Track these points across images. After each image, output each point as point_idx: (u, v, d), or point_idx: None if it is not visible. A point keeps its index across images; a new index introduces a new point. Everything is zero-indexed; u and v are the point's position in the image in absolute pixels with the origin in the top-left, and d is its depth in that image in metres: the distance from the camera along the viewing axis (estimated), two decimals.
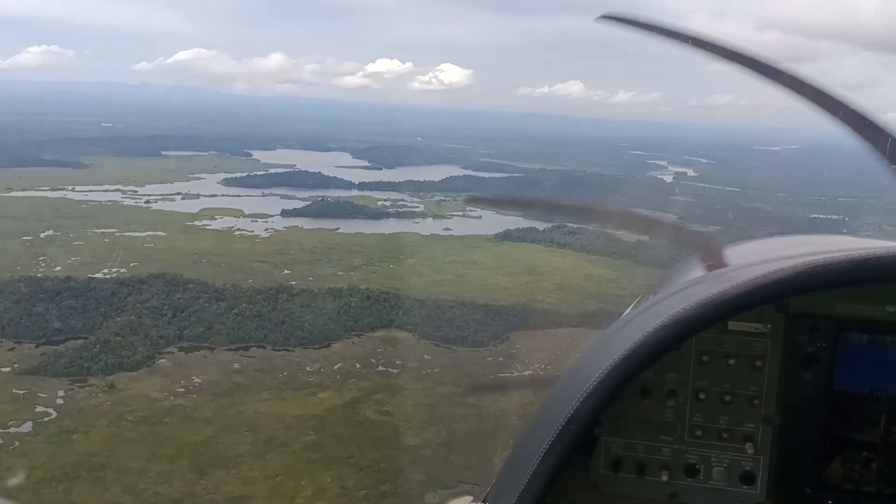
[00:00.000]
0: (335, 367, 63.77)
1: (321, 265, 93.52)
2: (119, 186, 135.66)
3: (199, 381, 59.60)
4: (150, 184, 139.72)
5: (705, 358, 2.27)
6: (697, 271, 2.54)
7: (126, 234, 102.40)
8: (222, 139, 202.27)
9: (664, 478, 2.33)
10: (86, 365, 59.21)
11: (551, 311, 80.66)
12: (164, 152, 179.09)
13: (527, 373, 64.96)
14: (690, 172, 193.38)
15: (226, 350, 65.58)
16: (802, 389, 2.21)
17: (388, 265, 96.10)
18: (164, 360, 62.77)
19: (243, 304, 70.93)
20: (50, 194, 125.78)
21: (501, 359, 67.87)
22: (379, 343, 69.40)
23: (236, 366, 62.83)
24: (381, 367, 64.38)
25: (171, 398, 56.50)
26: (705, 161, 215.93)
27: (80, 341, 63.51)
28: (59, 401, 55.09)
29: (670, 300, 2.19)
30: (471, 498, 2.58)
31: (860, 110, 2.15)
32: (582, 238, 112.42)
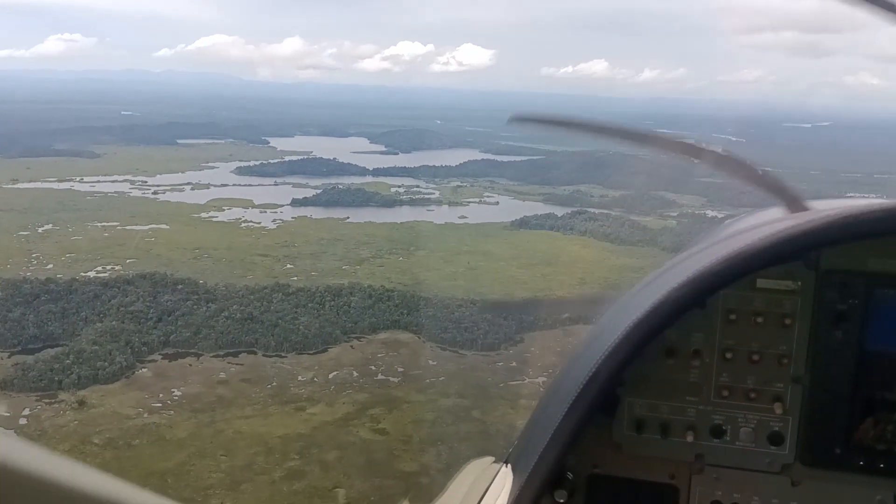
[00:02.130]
0: (330, 375, 57.14)
1: (326, 258, 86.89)
2: (128, 177, 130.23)
3: (178, 394, 53.34)
4: (161, 173, 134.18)
5: (732, 316, 2.18)
6: (729, 229, 2.43)
7: (128, 227, 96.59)
8: (239, 126, 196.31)
9: (689, 438, 2.26)
10: (57, 378, 53.23)
11: (570, 308, 73.24)
12: (179, 140, 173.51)
13: (539, 380, 57.85)
14: (719, 151, 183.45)
15: (213, 357, 59.26)
16: (833, 348, 2.12)
17: (397, 257, 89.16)
18: (144, 370, 56.65)
19: (235, 306, 64.47)
20: (56, 186, 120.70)
21: (514, 364, 60.73)
22: (380, 347, 62.63)
23: (222, 375, 56.47)
24: (380, 376, 57.60)
25: (146, 415, 50.28)
26: (734, 139, 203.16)
27: (58, 349, 57.68)
28: (23, 420, 49.14)
29: (696, 257, 2.09)
30: (492, 458, 2.51)
31: (760, 170, 2.21)
32: (604, 224, 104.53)
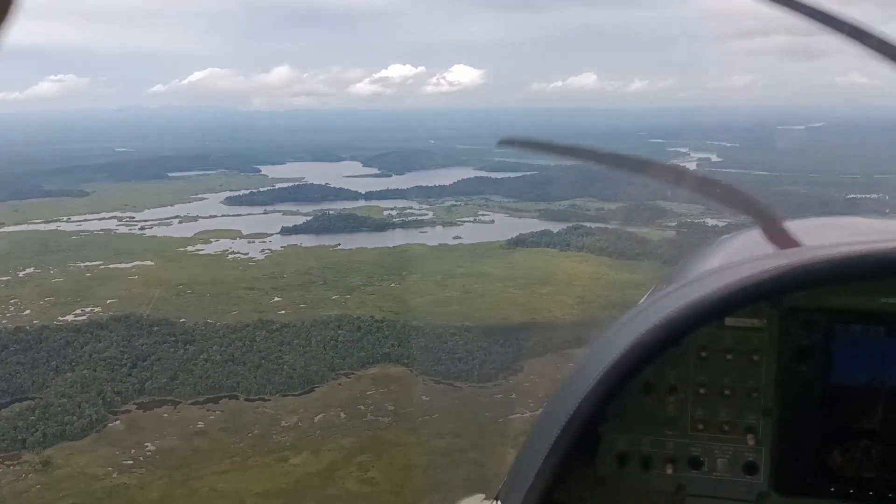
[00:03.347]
0: (315, 419, 52.53)
1: (315, 289, 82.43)
2: (116, 213, 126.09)
3: (152, 448, 48.75)
4: (149, 208, 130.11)
5: (704, 353, 2.25)
6: (701, 265, 2.54)
7: (111, 266, 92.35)
8: (231, 156, 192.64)
9: (669, 471, 2.32)
10: (20, 437, 48.76)
11: (570, 330, 68.59)
12: (170, 174, 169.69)
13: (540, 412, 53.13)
14: (714, 158, 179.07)
15: (191, 404, 54.72)
16: (799, 382, 2.20)
17: (389, 283, 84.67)
18: (116, 423, 52.10)
19: (214, 347, 60.01)
20: (42, 227, 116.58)
21: (513, 395, 56.09)
22: (370, 383, 58.04)
23: (200, 425, 51.88)
24: (369, 416, 52.96)
25: (115, 475, 45.69)
26: (728, 145, 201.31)
27: (26, 403, 53.25)
28: None
29: (669, 298, 2.13)
30: (482, 496, 2.54)
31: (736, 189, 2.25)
32: (601, 239, 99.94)
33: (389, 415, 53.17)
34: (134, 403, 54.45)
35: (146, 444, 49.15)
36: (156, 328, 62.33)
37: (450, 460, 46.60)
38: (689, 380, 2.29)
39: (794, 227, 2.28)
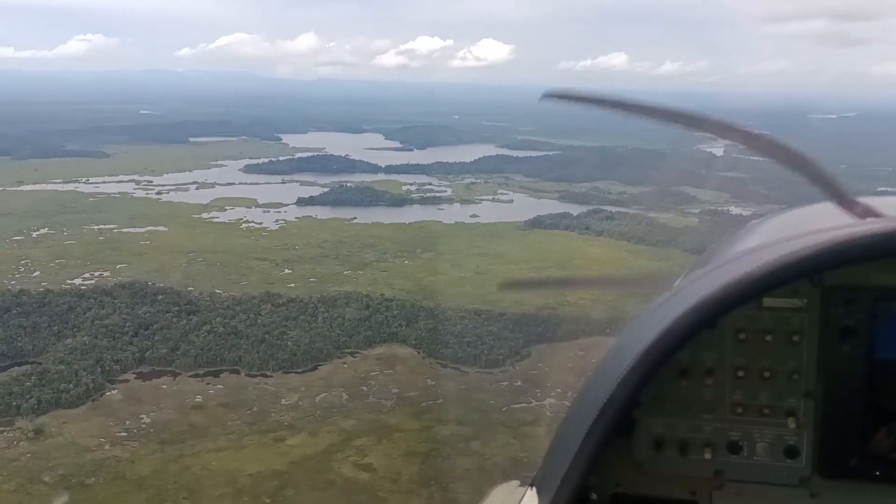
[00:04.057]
0: (316, 398, 50.76)
1: (327, 262, 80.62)
2: (135, 177, 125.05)
3: (147, 421, 47.27)
4: (168, 172, 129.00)
5: (742, 335, 2.19)
6: (735, 246, 2.45)
7: (125, 230, 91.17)
8: (254, 123, 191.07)
9: (707, 455, 2.26)
10: (15, 403, 47.47)
11: (583, 317, 66.27)
12: (191, 139, 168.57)
13: (547, 402, 51.06)
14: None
15: (191, 376, 53.19)
16: (842, 362, 2.13)
17: (403, 261, 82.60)
18: (114, 392, 50.71)
19: (218, 319, 58.30)
20: (60, 187, 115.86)
21: (518, 383, 54.01)
22: (375, 364, 56.16)
23: (198, 399, 50.33)
24: (371, 399, 51.09)
25: (107, 447, 44.25)
26: (757, 132, 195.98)
27: (24, 368, 52.07)
28: None
29: (704, 280, 2.11)
30: (517, 482, 2.47)
31: (806, 157, 2.19)
32: (621, 224, 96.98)
33: (392, 398, 51.27)
34: (133, 373, 53.04)
35: (142, 415, 47.71)
36: (160, 297, 60.78)
37: (451, 449, 44.67)
38: (726, 363, 2.22)
39: (868, 202, 2.16)
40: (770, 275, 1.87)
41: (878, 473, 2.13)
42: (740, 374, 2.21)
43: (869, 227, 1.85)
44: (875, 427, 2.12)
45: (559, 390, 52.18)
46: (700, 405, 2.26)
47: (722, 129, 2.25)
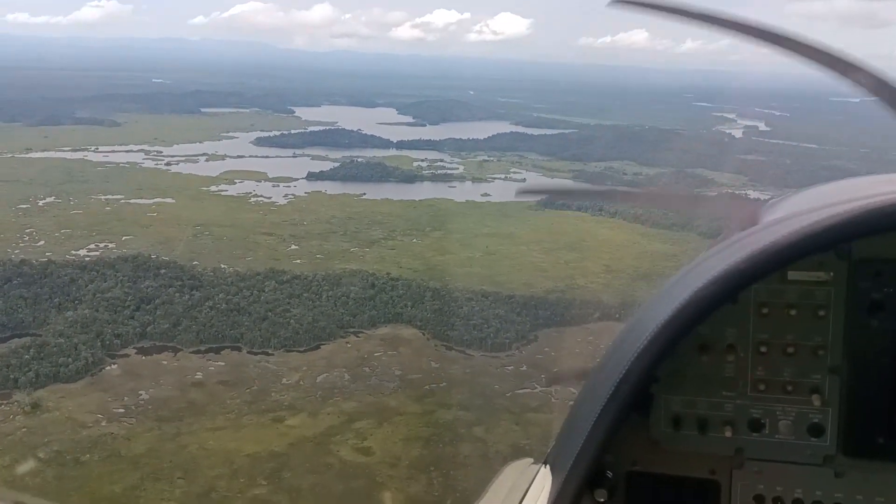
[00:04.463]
0: (318, 378, 50.02)
1: (334, 239, 79.63)
2: (144, 146, 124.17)
3: (146, 397, 46.73)
4: (178, 143, 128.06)
5: (765, 310, 2.14)
6: (755, 222, 2.38)
7: (132, 201, 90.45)
8: (266, 95, 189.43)
9: (728, 433, 2.22)
10: (13, 375, 46.99)
11: (593, 300, 65.07)
12: (203, 109, 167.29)
13: (553, 388, 50.00)
14: (762, 126, 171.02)
15: (192, 352, 52.57)
16: (870, 337, 2.07)
17: (411, 239, 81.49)
18: (113, 367, 50.16)
19: (220, 295, 57.57)
20: (69, 155, 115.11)
21: (524, 368, 53.00)
22: (378, 344, 55.31)
23: (198, 375, 49.72)
24: (374, 380, 50.29)
25: (104, 423, 43.76)
26: (778, 113, 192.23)
27: (24, 340, 51.62)
28: None
29: (725, 252, 2.10)
30: (531, 460, 2.51)
31: (883, 76, 2.07)
32: (635, 206, 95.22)
33: (395, 380, 50.46)
34: (134, 348, 52.46)
35: (140, 391, 47.16)
36: (163, 271, 60.07)
37: (453, 435, 43.87)
38: (748, 338, 2.16)
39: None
40: (796, 245, 1.82)
41: None
42: (763, 349, 2.14)
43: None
44: None
45: (565, 377, 51.12)
46: (720, 382, 2.19)
47: (802, 47, 2.00)
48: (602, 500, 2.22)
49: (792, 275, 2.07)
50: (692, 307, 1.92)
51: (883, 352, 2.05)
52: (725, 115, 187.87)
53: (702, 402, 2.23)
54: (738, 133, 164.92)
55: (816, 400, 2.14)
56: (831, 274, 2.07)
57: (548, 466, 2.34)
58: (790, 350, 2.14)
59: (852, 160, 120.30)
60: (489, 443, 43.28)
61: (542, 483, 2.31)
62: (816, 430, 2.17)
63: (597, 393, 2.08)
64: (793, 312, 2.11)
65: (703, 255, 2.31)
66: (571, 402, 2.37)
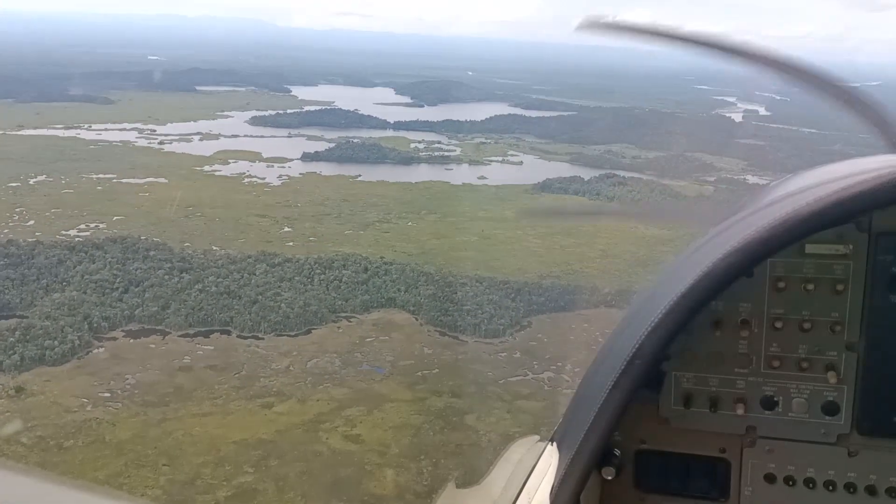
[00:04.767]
0: (308, 364, 49.32)
1: (328, 221, 78.69)
2: (138, 125, 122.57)
3: (132, 382, 45.99)
4: (172, 122, 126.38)
5: (781, 284, 2.10)
6: (773, 193, 2.29)
7: (124, 180, 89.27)
8: (263, 74, 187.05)
9: (740, 411, 2.19)
10: None
11: (589, 286, 64.39)
12: (199, 87, 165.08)
13: (545, 375, 49.44)
14: (762, 111, 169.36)
15: (181, 336, 51.81)
16: (890, 312, 2.03)
17: (406, 222, 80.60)
18: (100, 350, 49.41)
19: (211, 278, 56.73)
20: (62, 133, 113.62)
21: (517, 354, 52.38)
22: (370, 329, 54.58)
23: (186, 360, 48.98)
24: (365, 366, 49.60)
25: (90, 408, 43.06)
26: (779, 98, 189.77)
27: (10, 322, 50.75)
28: None
29: (741, 224, 2.02)
30: (537, 437, 2.48)
31: (849, 90, 2.12)
32: (634, 190, 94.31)
33: (387, 366, 49.79)
34: (122, 331, 51.66)
35: (127, 375, 46.41)
36: (152, 252, 59.18)
37: (444, 423, 43.27)
38: (763, 313, 2.10)
39: None
40: (816, 215, 1.75)
41: None
42: (778, 325, 2.08)
43: None
44: None
45: (558, 364, 50.61)
46: (733, 358, 2.14)
47: (776, 63, 2.04)
48: (609, 478, 2.16)
49: (810, 248, 1.99)
50: (707, 281, 1.84)
51: None
52: (726, 98, 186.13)
53: (714, 380, 2.16)
54: (738, 117, 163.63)
55: (832, 377, 2.07)
56: (850, 247, 1.98)
57: (554, 444, 2.26)
58: (806, 326, 2.06)
59: (852, 145, 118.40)
60: (480, 431, 42.68)
61: (549, 460, 2.25)
62: (831, 409, 2.10)
63: (606, 370, 1.99)
64: (810, 287, 2.03)
65: (715, 229, 2.19)
66: (579, 381, 2.28)
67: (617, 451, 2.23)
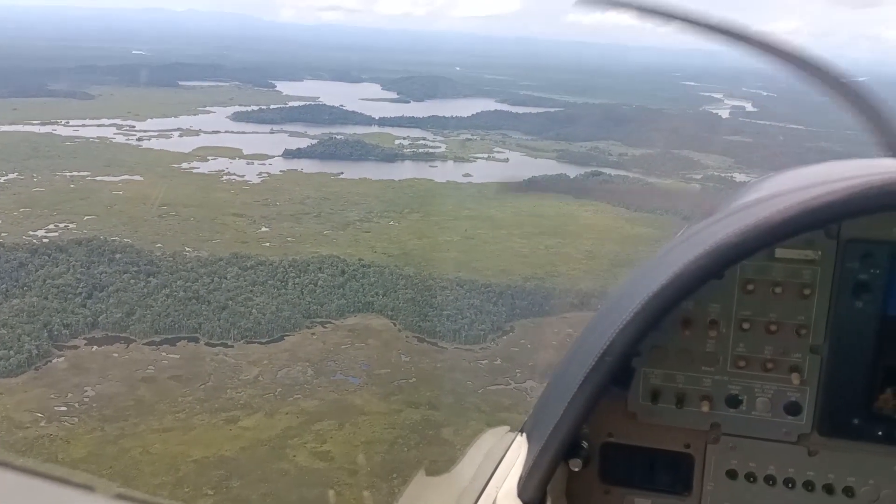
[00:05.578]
0: (278, 373, 46.67)
1: (307, 221, 75.81)
2: (117, 121, 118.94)
3: (91, 394, 43.22)
4: (152, 117, 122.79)
5: (750, 287, 2.13)
6: (744, 198, 2.35)
7: (98, 178, 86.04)
8: (247, 69, 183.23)
9: (705, 408, 2.23)
10: None
11: (574, 289, 61.91)
12: (181, 82, 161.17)
13: (528, 384, 46.98)
14: (749, 107, 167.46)
15: (146, 344, 49.03)
16: (853, 318, 2.07)
17: (388, 221, 77.79)
18: (60, 360, 46.60)
19: (179, 282, 53.90)
20: (38, 129, 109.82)
21: (498, 361, 49.92)
22: (346, 335, 51.96)
23: (150, 370, 46.22)
24: (339, 375, 47.01)
25: (43, 423, 40.29)
26: (765, 94, 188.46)
27: None
28: None
29: (713, 227, 2.07)
30: (507, 428, 2.50)
31: (852, 84, 2.11)
32: (620, 188, 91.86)
33: (361, 375, 47.20)
34: (83, 338, 48.86)
35: (86, 387, 43.64)
36: (118, 255, 56.20)
37: (419, 437, 40.79)
38: (732, 314, 2.14)
39: None
40: (788, 221, 1.79)
41: (880, 434, 2.06)
42: (745, 326, 2.12)
43: (887, 176, 1.72)
44: (881, 387, 2.03)
45: (540, 370, 48.19)
46: (701, 357, 2.18)
47: (768, 47, 2.06)
48: (576, 469, 2.20)
49: (779, 252, 2.03)
50: (678, 282, 1.86)
51: (865, 333, 2.01)
52: (713, 94, 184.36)
53: (681, 377, 2.19)
54: (724, 113, 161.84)
55: (795, 378, 2.11)
56: (819, 253, 2.02)
57: (524, 435, 2.28)
58: (772, 328, 2.10)
59: (838, 142, 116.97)
60: (457, 446, 40.04)
61: (518, 451, 2.27)
62: (793, 409, 2.15)
63: (578, 365, 2.02)
64: (778, 290, 2.07)
65: (688, 230, 2.22)
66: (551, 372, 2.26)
67: (585, 444, 2.22)
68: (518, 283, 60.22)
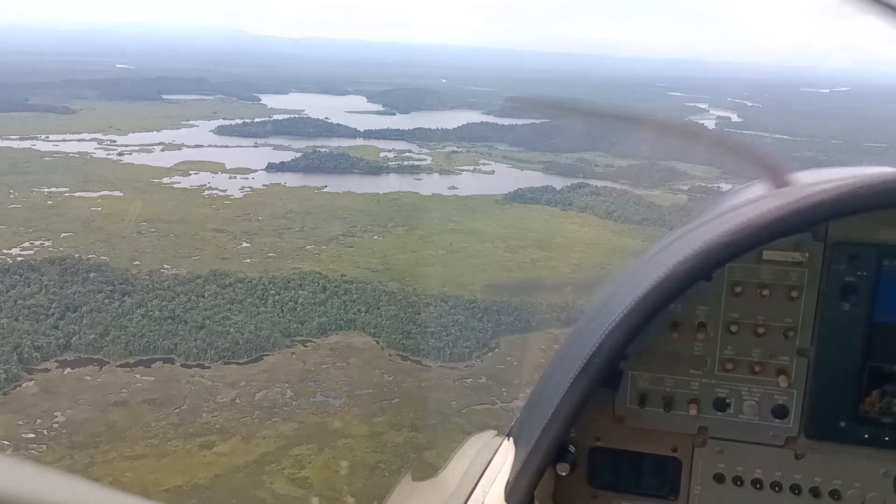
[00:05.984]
0: (256, 395, 45.06)
1: (289, 236, 74.38)
2: (98, 135, 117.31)
3: (61, 420, 41.45)
4: (134, 131, 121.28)
5: (738, 289, 2.13)
6: (732, 200, 2.35)
7: (77, 194, 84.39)
8: (231, 82, 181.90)
9: (692, 411, 2.23)
10: None
11: (560, 304, 60.68)
12: (165, 96, 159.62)
13: (514, 404, 45.59)
14: (734, 118, 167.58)
15: (119, 366, 47.28)
16: (841, 320, 2.07)
17: (372, 235, 76.48)
18: (30, 384, 44.79)
19: (155, 301, 52.21)
20: (16, 144, 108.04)
21: (483, 380, 48.54)
22: (327, 355, 50.42)
23: (123, 393, 44.50)
24: (318, 397, 45.46)
25: (10, 452, 38.45)
26: (750, 104, 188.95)
27: None
28: None
29: (702, 229, 2.08)
30: (494, 432, 2.48)
31: (738, 142, 2.19)
32: (607, 200, 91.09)
33: (343, 396, 45.69)
34: (55, 361, 47.05)
35: (56, 413, 41.88)
36: (92, 274, 54.53)
37: (401, 462, 39.19)
38: (720, 317, 2.13)
39: (801, 176, 2.11)
40: (776, 223, 1.79)
41: (866, 437, 2.07)
42: (733, 329, 2.11)
43: (883, 175, 1.74)
44: (867, 390, 2.03)
45: (527, 389, 46.74)
46: (689, 360, 2.17)
47: (668, 126, 2.08)
48: (564, 473, 2.19)
49: (767, 254, 2.02)
50: (667, 283, 1.85)
51: (851, 335, 2.01)
52: (698, 105, 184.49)
53: (668, 380, 2.18)
54: (710, 124, 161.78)
55: (783, 382, 2.10)
56: (806, 255, 2.02)
57: (511, 439, 2.27)
58: (760, 330, 2.09)
59: (824, 151, 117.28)
60: (440, 470, 38.66)
61: (505, 455, 2.26)
62: (780, 412, 2.14)
63: (565, 368, 2.00)
64: (765, 292, 2.06)
65: (675, 232, 2.21)
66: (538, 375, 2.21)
67: (572, 448, 2.21)
68: (504, 297, 58.92)
